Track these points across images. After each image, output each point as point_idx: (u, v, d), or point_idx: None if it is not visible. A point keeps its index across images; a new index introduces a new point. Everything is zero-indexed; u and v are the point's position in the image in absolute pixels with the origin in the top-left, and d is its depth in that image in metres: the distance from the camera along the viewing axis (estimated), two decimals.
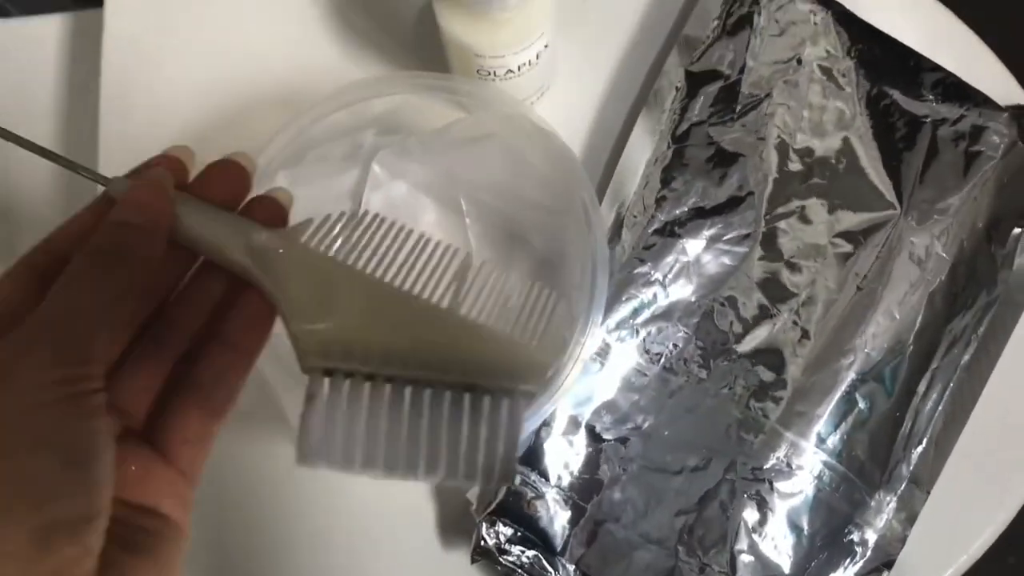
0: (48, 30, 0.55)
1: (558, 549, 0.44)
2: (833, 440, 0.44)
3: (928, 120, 0.47)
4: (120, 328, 0.24)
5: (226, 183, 0.29)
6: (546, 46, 0.45)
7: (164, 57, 0.51)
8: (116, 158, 0.49)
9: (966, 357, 0.45)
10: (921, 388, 0.45)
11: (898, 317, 0.45)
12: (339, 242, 0.28)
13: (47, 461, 0.20)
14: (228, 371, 0.28)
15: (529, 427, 0.42)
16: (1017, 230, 0.46)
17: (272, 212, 0.30)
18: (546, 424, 0.44)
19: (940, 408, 0.45)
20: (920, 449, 0.45)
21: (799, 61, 0.48)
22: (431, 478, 0.27)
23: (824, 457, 0.44)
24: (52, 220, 0.28)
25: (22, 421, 0.20)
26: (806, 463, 0.44)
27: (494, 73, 0.45)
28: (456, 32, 0.43)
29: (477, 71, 0.45)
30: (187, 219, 0.27)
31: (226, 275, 0.28)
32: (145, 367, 0.26)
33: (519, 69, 0.45)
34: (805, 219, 0.46)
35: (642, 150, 0.48)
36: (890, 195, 0.46)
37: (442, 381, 0.27)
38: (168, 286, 0.28)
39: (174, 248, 0.27)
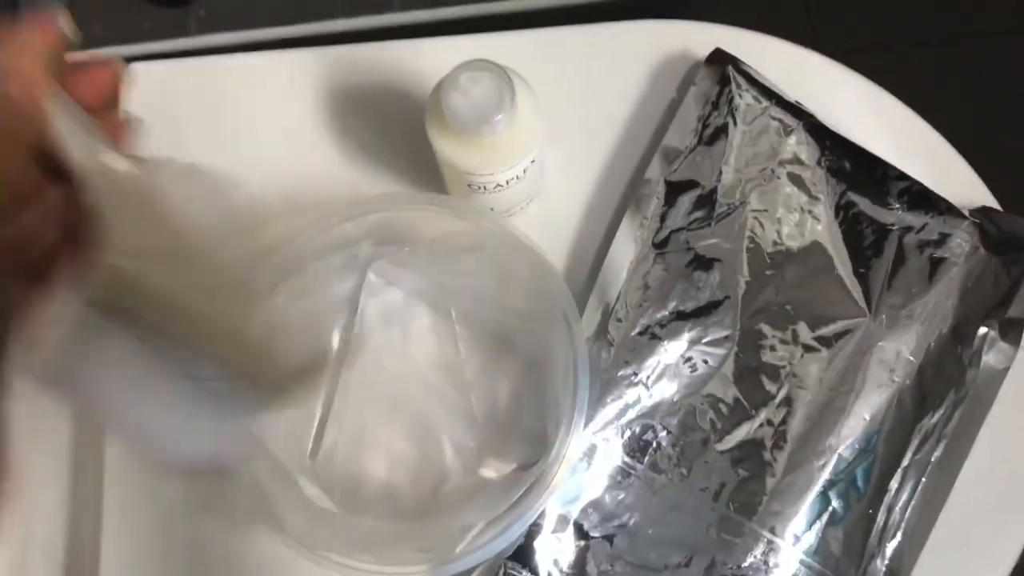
0: None
1: None
2: (808, 538, 0.46)
3: (895, 228, 0.49)
4: None
5: (95, 87, 0.28)
6: (533, 161, 0.48)
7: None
8: None
9: (937, 453, 0.47)
10: (893, 485, 0.47)
11: (868, 419, 0.47)
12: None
13: None
14: None
15: (521, 527, 0.44)
16: (983, 330, 0.48)
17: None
18: (536, 522, 0.46)
19: (913, 503, 0.47)
20: (895, 543, 0.47)
21: (772, 170, 0.51)
22: None
23: (800, 555, 0.46)
24: None
25: None
26: (783, 561, 0.46)
27: (484, 187, 0.47)
28: (447, 153, 0.46)
29: (468, 185, 0.47)
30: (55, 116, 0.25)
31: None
32: None
33: (508, 183, 0.47)
34: (779, 323, 0.49)
35: (625, 255, 0.50)
36: (860, 301, 0.49)
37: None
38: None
39: None
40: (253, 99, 0.56)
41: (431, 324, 0.49)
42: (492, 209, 0.51)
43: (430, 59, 0.53)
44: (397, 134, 0.54)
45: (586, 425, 0.46)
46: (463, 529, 0.44)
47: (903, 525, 0.47)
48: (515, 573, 0.46)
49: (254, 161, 0.54)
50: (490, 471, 0.47)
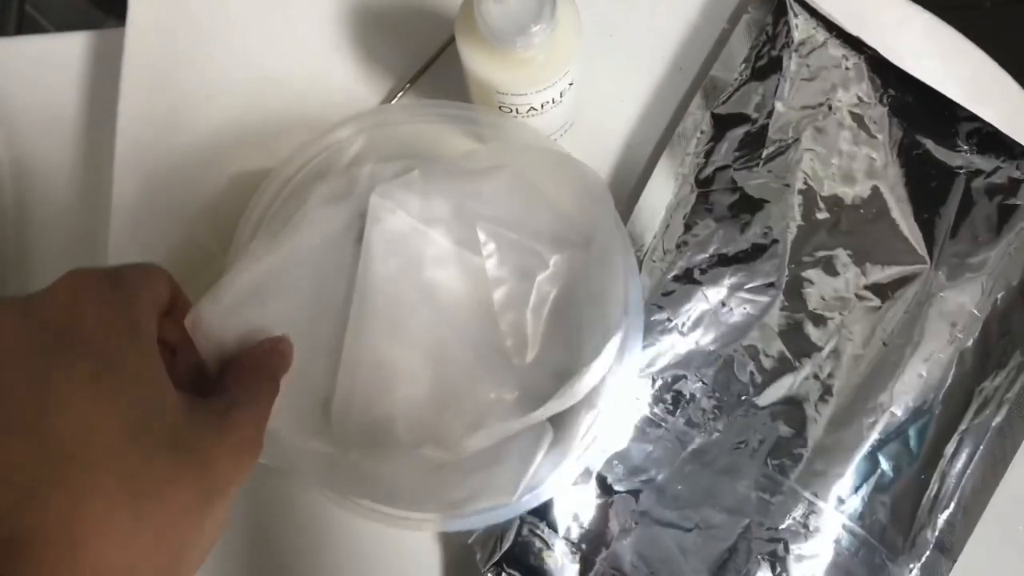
0: (73, 47, 0.54)
1: None
2: (853, 502, 0.43)
3: (962, 171, 0.45)
4: None
5: None
6: (571, 84, 0.44)
7: (183, 72, 0.50)
8: (130, 173, 0.49)
9: (998, 419, 0.43)
10: (948, 450, 0.43)
11: (925, 376, 0.43)
12: None
13: None
14: None
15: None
16: None
17: None
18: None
19: (969, 472, 0.43)
20: (947, 514, 0.43)
21: (829, 107, 0.46)
22: None
23: (843, 520, 0.42)
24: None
25: None
26: (824, 525, 0.42)
27: (516, 110, 0.44)
28: (478, 69, 0.42)
29: (499, 107, 0.44)
30: None
31: None
32: None
33: (542, 107, 0.44)
34: (831, 270, 0.45)
35: (663, 192, 0.46)
36: (920, 248, 0.44)
37: None
38: None
39: None
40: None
41: (451, 252, 0.44)
42: None
43: None
44: (423, 49, 0.50)
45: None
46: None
47: (957, 495, 0.43)
48: (532, 526, 0.43)
49: (264, 76, 0.50)
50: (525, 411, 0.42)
